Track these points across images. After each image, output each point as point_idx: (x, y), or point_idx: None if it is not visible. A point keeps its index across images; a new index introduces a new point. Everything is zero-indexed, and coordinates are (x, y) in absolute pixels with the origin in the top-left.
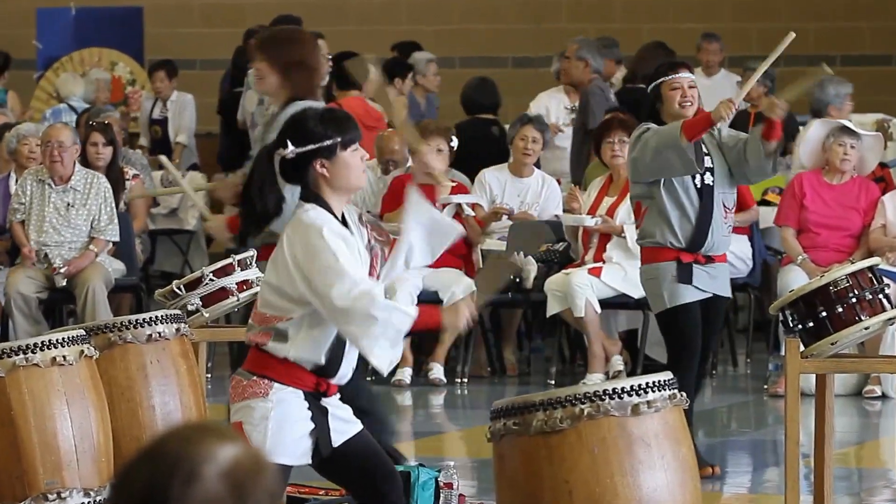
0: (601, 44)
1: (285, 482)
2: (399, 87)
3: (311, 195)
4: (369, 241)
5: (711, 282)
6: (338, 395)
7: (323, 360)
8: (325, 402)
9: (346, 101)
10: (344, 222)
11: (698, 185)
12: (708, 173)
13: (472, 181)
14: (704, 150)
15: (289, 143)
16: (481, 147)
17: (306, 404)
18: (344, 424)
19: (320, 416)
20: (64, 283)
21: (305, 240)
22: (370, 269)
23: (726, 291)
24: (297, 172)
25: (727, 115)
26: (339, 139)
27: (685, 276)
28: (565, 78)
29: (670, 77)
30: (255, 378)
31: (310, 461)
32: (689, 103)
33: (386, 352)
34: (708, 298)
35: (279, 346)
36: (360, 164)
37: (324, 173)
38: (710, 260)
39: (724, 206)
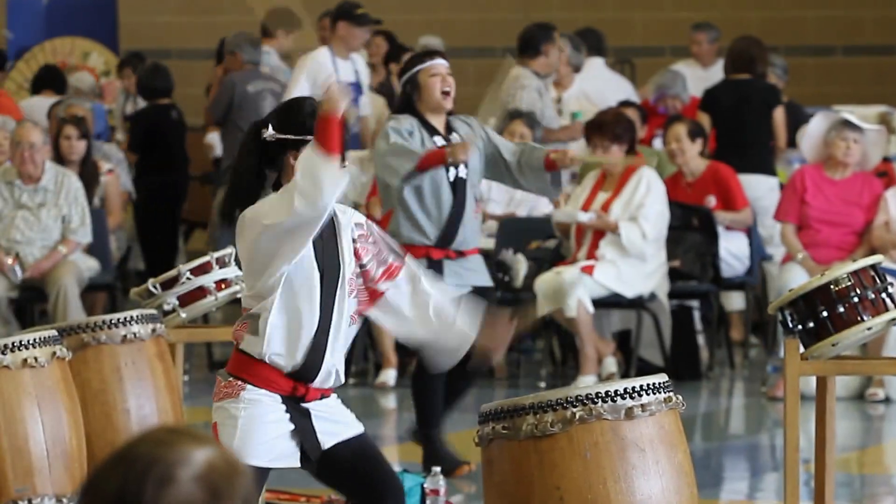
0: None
1: (261, 485)
2: (395, 71)
3: (277, 184)
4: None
5: (467, 275)
6: (328, 400)
7: (299, 361)
8: (307, 405)
9: None
10: None
11: (451, 179)
12: (462, 167)
13: None
14: (458, 138)
15: (271, 126)
16: (158, 132)
17: (283, 407)
18: (334, 426)
19: (301, 417)
20: (19, 279)
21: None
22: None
23: (486, 281)
24: (272, 156)
25: (463, 157)
26: None
27: (436, 272)
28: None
29: (428, 63)
30: (231, 379)
31: (295, 464)
32: (449, 92)
33: (330, 185)
34: (469, 292)
35: (253, 340)
36: None
37: (295, 166)
38: (461, 255)
39: (476, 199)
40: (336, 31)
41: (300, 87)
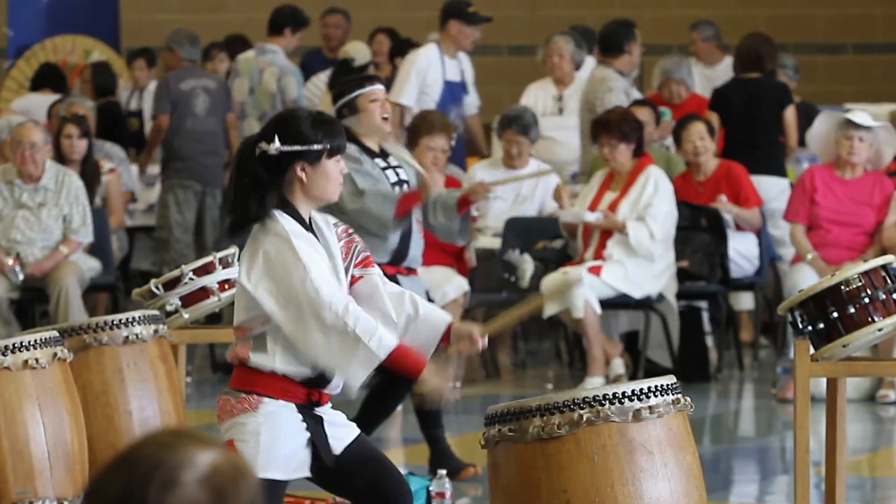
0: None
1: (280, 497)
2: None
3: (281, 200)
4: (345, 247)
5: (420, 291)
6: (329, 404)
7: (311, 373)
8: (318, 410)
9: None
10: (310, 228)
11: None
12: (406, 186)
13: None
14: (395, 163)
15: (276, 139)
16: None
17: (299, 416)
18: (340, 430)
19: (315, 425)
20: (20, 280)
21: (276, 255)
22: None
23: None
24: (275, 171)
25: (438, 190)
26: (327, 145)
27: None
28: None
29: (368, 89)
30: (242, 395)
31: (308, 473)
32: (387, 117)
33: (361, 372)
34: None
35: (262, 358)
36: (339, 177)
37: (302, 178)
38: (411, 271)
39: (416, 219)
40: (446, 29)
41: (410, 85)
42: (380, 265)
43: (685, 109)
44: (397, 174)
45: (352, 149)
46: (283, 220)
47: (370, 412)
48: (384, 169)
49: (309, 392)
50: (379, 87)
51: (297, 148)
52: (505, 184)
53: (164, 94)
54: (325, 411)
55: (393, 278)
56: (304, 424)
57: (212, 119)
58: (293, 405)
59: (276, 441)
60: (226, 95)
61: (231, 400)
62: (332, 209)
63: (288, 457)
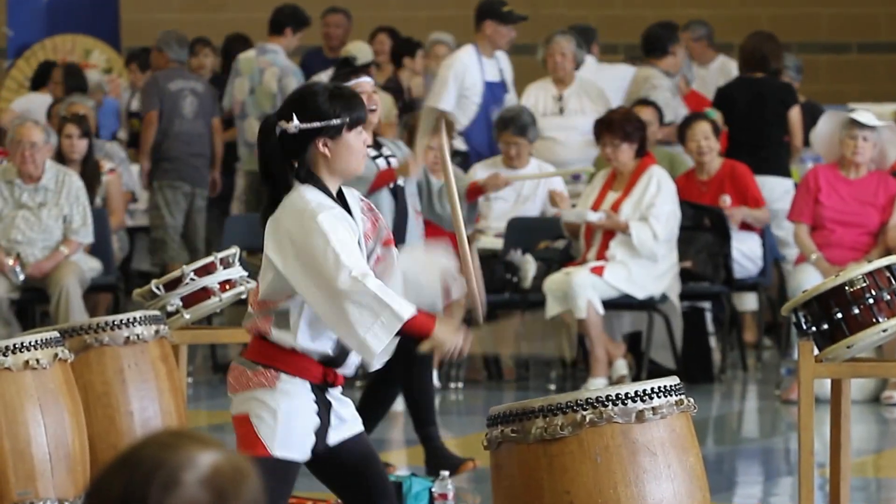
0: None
1: (293, 480)
2: (410, 66)
3: (307, 174)
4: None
5: None
6: (339, 391)
7: (331, 351)
8: (329, 395)
9: None
10: (341, 202)
11: (391, 186)
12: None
13: None
14: (389, 151)
15: (294, 117)
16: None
17: (313, 397)
18: (342, 423)
19: (324, 410)
20: (21, 279)
21: (300, 225)
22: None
23: None
24: (296, 148)
25: (414, 171)
26: (346, 119)
27: None
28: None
29: (353, 82)
30: (260, 368)
31: (308, 458)
32: (375, 108)
33: (381, 342)
34: None
35: (283, 335)
36: (363, 148)
37: (325, 153)
38: None
39: (414, 209)
40: (482, 29)
41: (449, 89)
42: None
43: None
44: (388, 163)
45: None
46: (308, 192)
47: (366, 411)
48: (374, 158)
49: (325, 372)
50: (365, 80)
51: (315, 124)
52: (524, 179)
53: (154, 91)
54: (336, 397)
55: None
56: (316, 407)
57: (199, 121)
58: (308, 384)
59: (292, 421)
60: (212, 98)
61: (247, 371)
62: None
63: (304, 437)
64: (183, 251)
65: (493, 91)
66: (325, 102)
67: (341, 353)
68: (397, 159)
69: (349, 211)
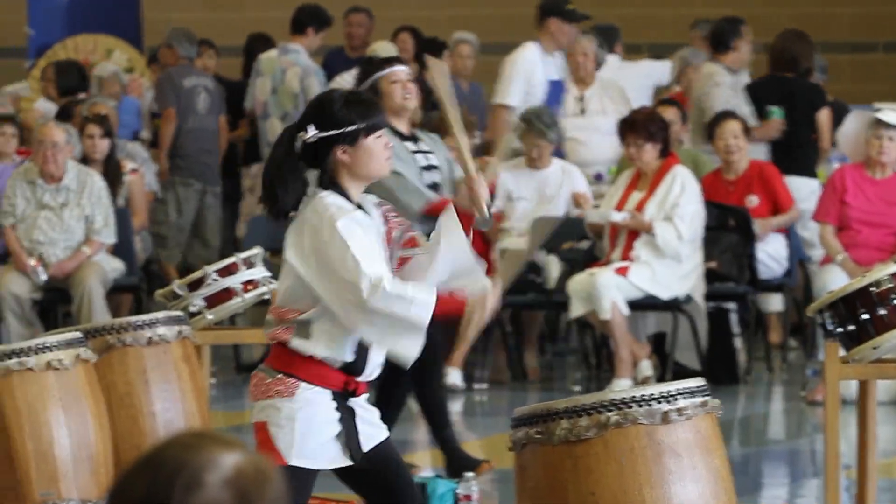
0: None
1: (311, 488)
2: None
3: (328, 181)
4: (389, 229)
5: None
6: (363, 399)
7: (350, 357)
8: (352, 402)
9: None
10: (361, 209)
11: (430, 184)
12: (435, 171)
13: None
14: (427, 147)
15: (310, 127)
16: None
17: (334, 405)
18: (371, 428)
19: (348, 418)
20: (44, 279)
21: (320, 231)
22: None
23: None
24: (316, 157)
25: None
26: (362, 125)
27: None
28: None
29: (387, 71)
30: (280, 376)
31: (342, 464)
32: (410, 97)
33: (411, 343)
34: None
35: (304, 344)
36: (384, 152)
37: (345, 160)
38: None
39: None
40: (546, 27)
41: (515, 86)
42: None
43: None
44: (427, 158)
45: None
46: (328, 198)
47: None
48: (414, 153)
49: (346, 380)
50: (400, 68)
51: (333, 132)
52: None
53: (169, 88)
54: (360, 404)
55: None
56: (338, 415)
57: (211, 118)
58: (329, 392)
59: (311, 429)
60: (221, 95)
61: (267, 379)
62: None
63: (322, 446)
64: (177, 250)
65: (555, 89)
66: (341, 110)
67: (361, 361)
68: (435, 155)
69: (366, 215)
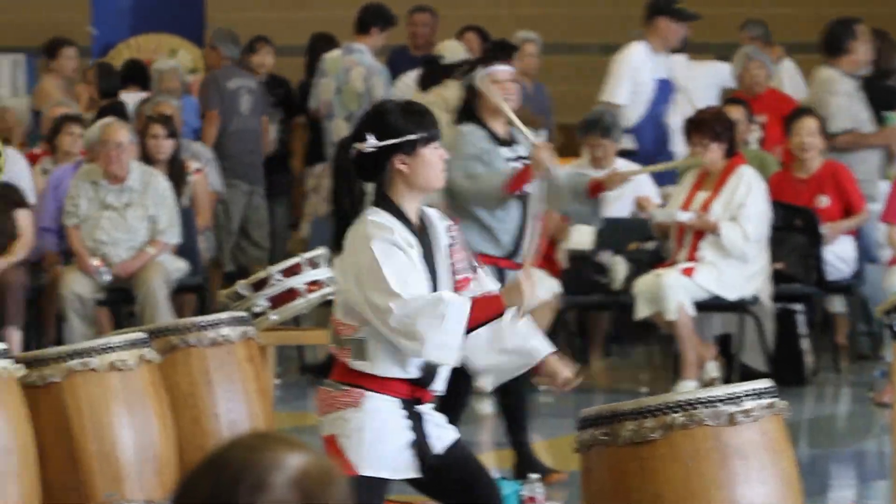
0: None
1: (382, 496)
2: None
3: (382, 196)
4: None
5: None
6: (431, 404)
7: (416, 374)
8: (419, 408)
9: None
10: (422, 223)
11: (518, 193)
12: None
13: None
14: (524, 153)
15: (368, 137)
16: None
17: (403, 412)
18: (440, 430)
19: (417, 423)
20: (108, 279)
21: (359, 249)
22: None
23: (545, 294)
24: (373, 168)
25: (548, 163)
26: (422, 134)
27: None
28: None
29: (491, 69)
30: (345, 388)
31: (418, 474)
32: (511, 98)
33: (451, 352)
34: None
35: (363, 365)
36: (440, 163)
37: (403, 170)
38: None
39: (533, 215)
40: (654, 25)
41: (623, 84)
42: (492, 259)
43: (763, 104)
44: (514, 151)
45: (479, 136)
46: (372, 216)
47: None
48: (509, 160)
49: (413, 389)
50: (502, 68)
51: (392, 141)
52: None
53: (214, 90)
54: (426, 410)
55: (502, 273)
56: (409, 422)
57: (254, 119)
58: (397, 401)
59: (380, 438)
60: (264, 96)
61: (333, 392)
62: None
63: (394, 454)
64: (221, 251)
65: (663, 89)
66: (398, 119)
67: (429, 375)
68: (522, 147)
69: (426, 229)
